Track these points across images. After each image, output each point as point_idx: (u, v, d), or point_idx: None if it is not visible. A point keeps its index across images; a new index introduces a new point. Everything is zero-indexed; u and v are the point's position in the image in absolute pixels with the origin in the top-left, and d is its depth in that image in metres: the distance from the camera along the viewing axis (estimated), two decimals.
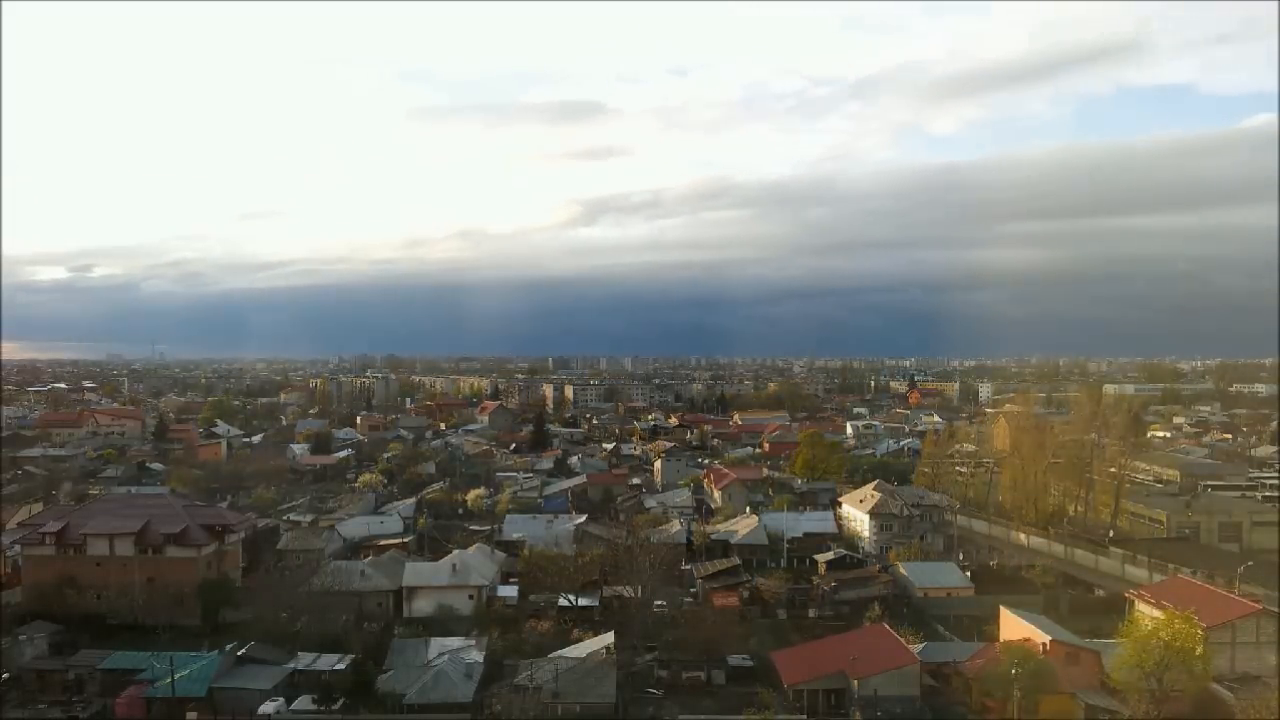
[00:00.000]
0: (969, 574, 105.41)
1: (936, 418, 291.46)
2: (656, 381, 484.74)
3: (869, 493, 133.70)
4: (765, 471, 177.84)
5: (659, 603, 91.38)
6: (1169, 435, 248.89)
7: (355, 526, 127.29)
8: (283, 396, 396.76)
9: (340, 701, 69.87)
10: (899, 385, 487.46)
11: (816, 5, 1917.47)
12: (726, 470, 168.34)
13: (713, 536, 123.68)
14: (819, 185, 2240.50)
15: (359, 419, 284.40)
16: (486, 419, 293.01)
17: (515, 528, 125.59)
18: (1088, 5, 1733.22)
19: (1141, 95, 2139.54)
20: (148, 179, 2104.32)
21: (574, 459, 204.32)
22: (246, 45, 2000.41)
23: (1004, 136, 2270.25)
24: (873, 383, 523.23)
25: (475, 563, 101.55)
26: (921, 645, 79.72)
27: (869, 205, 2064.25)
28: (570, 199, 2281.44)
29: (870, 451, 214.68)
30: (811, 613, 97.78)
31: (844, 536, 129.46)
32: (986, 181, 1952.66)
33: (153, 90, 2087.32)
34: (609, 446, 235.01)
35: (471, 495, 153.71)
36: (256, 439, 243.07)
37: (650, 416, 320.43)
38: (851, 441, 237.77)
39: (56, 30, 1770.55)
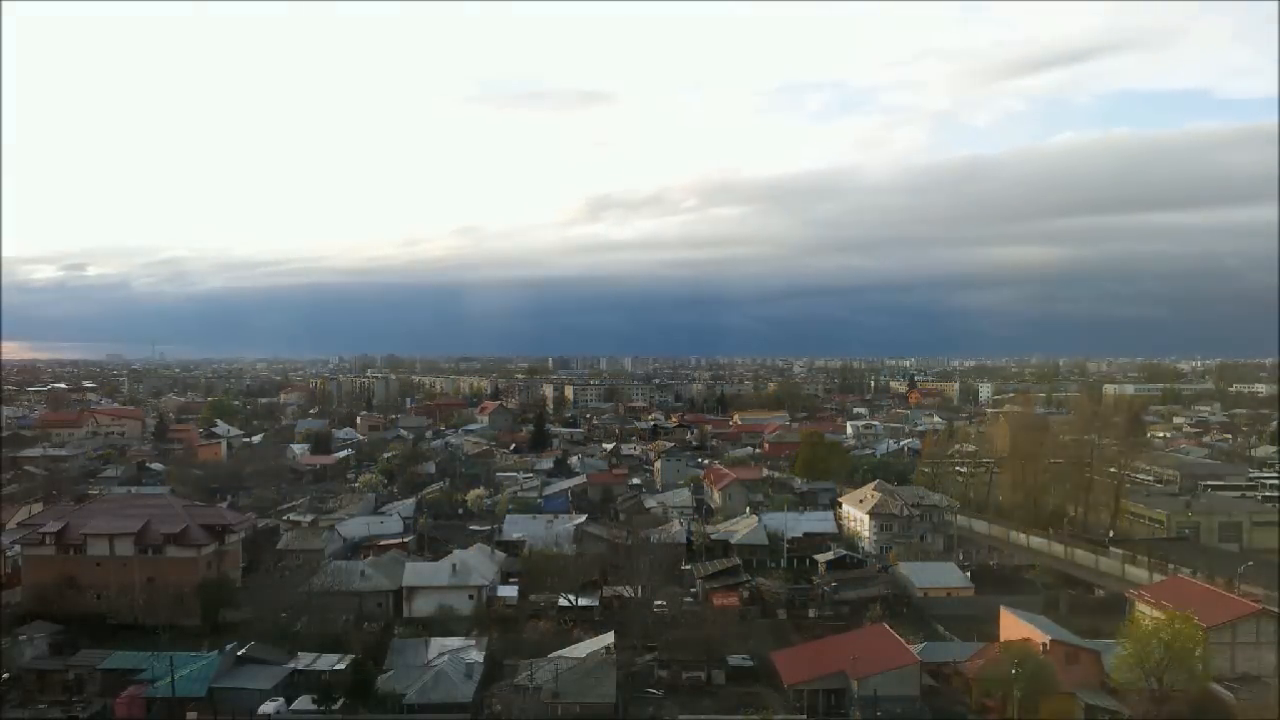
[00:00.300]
0: (969, 574, 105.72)
1: (936, 418, 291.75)
2: (656, 381, 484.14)
3: (869, 493, 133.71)
4: (765, 471, 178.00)
5: (659, 603, 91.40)
6: (1169, 435, 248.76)
7: (355, 526, 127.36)
8: (283, 396, 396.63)
9: (340, 701, 69.84)
10: (899, 385, 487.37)
11: (842, 4, 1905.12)
12: (726, 470, 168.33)
13: (713, 536, 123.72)
14: (835, 180, 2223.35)
15: (359, 419, 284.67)
16: (486, 419, 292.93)
17: (515, 528, 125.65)
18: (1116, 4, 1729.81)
19: (1162, 94, 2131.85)
20: (141, 178, 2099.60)
21: (574, 459, 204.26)
22: (240, 42, 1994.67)
23: (1024, 132, 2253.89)
24: (873, 383, 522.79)
25: (475, 563, 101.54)
26: (921, 645, 79.87)
27: (881, 201, 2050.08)
28: (574, 195, 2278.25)
29: (870, 451, 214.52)
30: (811, 613, 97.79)
31: (844, 536, 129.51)
32: (1000, 178, 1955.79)
33: (147, 89, 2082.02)
34: (609, 446, 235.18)
35: (471, 495, 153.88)
36: (256, 439, 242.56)
37: (650, 416, 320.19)
38: (851, 441, 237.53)
39: (51, 27, 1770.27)
